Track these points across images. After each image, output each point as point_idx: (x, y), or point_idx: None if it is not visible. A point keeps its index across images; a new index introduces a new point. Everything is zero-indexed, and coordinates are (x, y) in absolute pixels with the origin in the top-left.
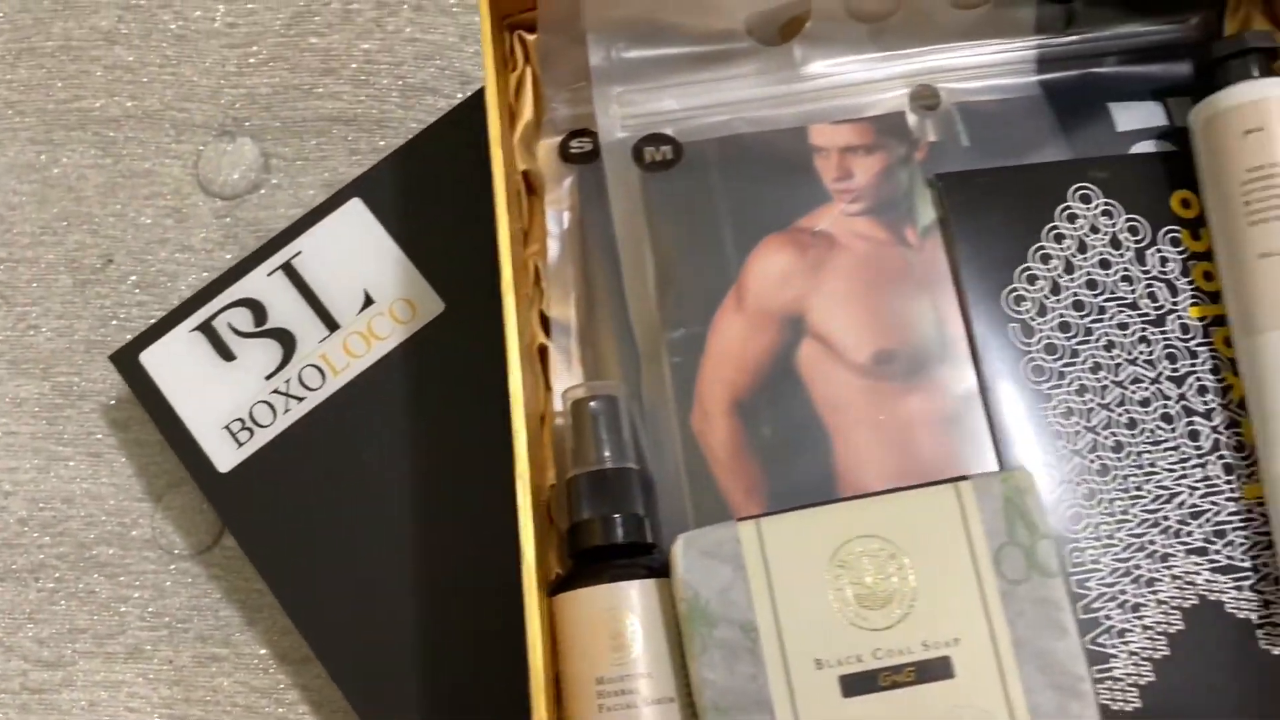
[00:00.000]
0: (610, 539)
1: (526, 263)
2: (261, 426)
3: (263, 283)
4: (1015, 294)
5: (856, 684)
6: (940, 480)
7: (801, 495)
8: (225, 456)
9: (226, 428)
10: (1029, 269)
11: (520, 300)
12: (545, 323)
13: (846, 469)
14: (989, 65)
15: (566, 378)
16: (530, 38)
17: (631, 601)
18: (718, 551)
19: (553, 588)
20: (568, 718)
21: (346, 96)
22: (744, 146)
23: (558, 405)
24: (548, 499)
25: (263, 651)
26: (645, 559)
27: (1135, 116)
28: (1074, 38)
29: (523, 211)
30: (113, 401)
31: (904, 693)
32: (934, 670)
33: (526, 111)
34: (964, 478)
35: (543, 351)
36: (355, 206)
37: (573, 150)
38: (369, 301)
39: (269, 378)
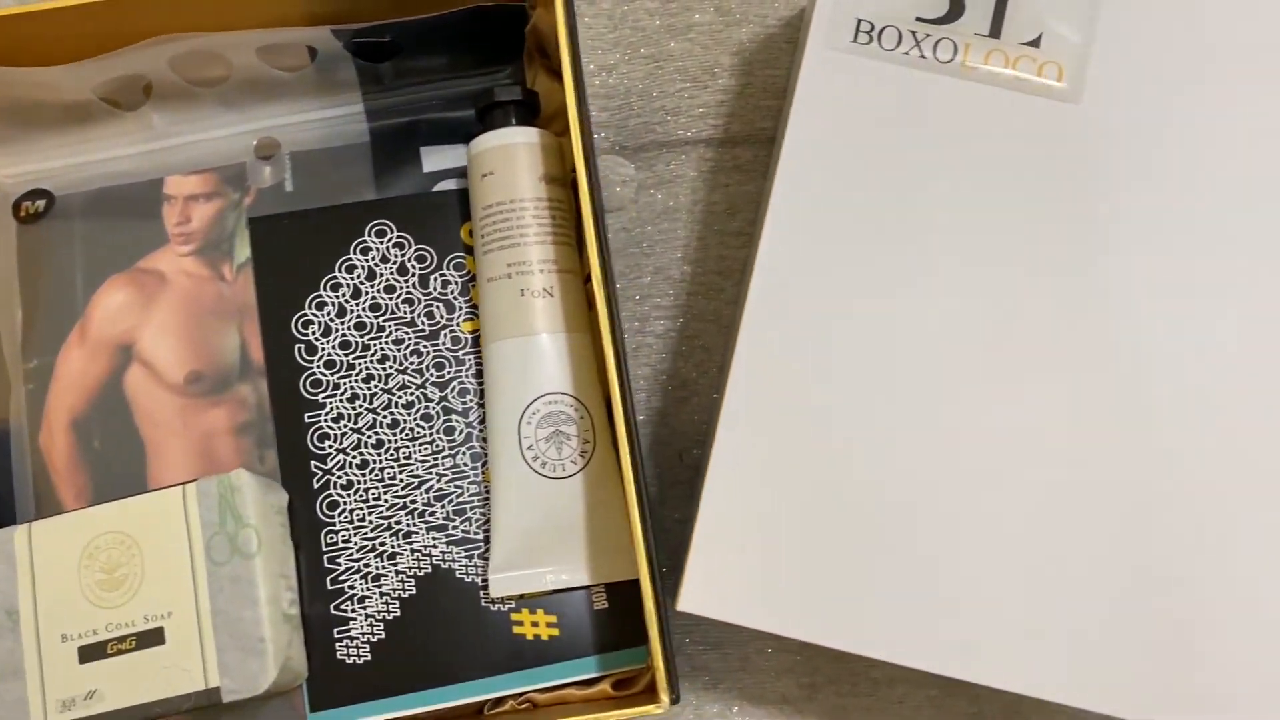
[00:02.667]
0: None
1: None
2: None
3: None
4: (304, 319)
5: (90, 653)
6: (174, 484)
7: (120, 498)
8: None
9: None
10: (319, 297)
11: None
12: None
13: (157, 473)
14: (326, 119)
15: None
16: None
17: None
18: None
19: None
20: None
21: None
22: (107, 198)
23: None
24: None
25: None
26: None
27: (441, 158)
28: (400, 91)
29: None
30: None
31: (126, 658)
32: (150, 639)
33: None
34: (192, 481)
35: None
36: None
37: None
38: None
39: None
